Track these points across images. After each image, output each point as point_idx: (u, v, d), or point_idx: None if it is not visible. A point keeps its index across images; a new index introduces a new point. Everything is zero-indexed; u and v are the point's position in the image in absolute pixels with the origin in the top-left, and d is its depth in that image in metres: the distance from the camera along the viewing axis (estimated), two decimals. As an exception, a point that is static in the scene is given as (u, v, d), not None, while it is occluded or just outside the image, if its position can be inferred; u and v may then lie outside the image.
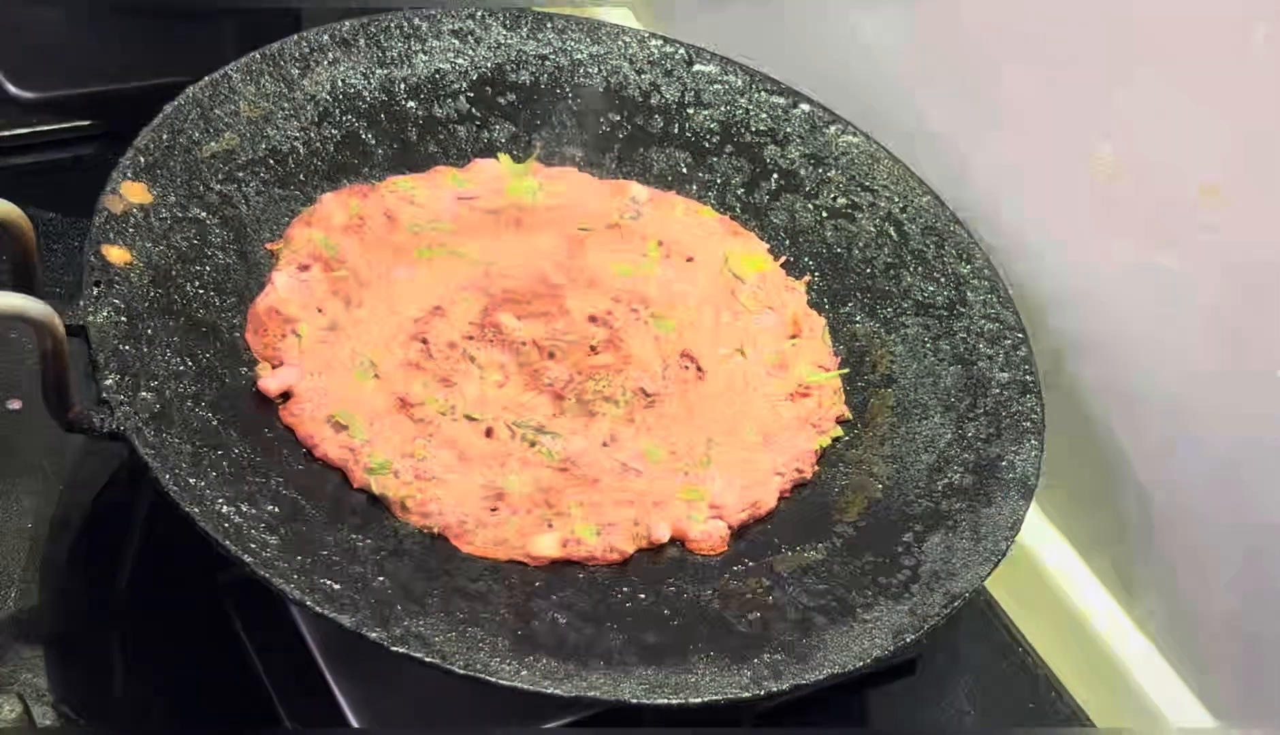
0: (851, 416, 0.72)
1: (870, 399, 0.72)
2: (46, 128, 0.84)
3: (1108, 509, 0.74)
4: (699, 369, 0.71)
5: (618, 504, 0.64)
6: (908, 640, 0.59)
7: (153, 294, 0.62)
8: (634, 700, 0.55)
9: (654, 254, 0.76)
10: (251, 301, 0.67)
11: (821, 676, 0.57)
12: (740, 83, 0.82)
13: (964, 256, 0.76)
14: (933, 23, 0.79)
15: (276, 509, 0.58)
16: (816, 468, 0.69)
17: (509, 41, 0.81)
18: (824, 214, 0.79)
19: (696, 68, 0.83)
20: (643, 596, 0.61)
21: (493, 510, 0.62)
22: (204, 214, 0.67)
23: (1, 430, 0.69)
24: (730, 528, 0.65)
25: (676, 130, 0.82)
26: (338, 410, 0.63)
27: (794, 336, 0.74)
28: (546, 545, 0.62)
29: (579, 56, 0.82)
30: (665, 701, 0.55)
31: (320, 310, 0.68)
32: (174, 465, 0.56)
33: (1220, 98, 0.65)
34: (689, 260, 0.76)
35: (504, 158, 0.78)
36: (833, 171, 0.80)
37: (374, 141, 0.76)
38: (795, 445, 0.69)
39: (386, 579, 0.57)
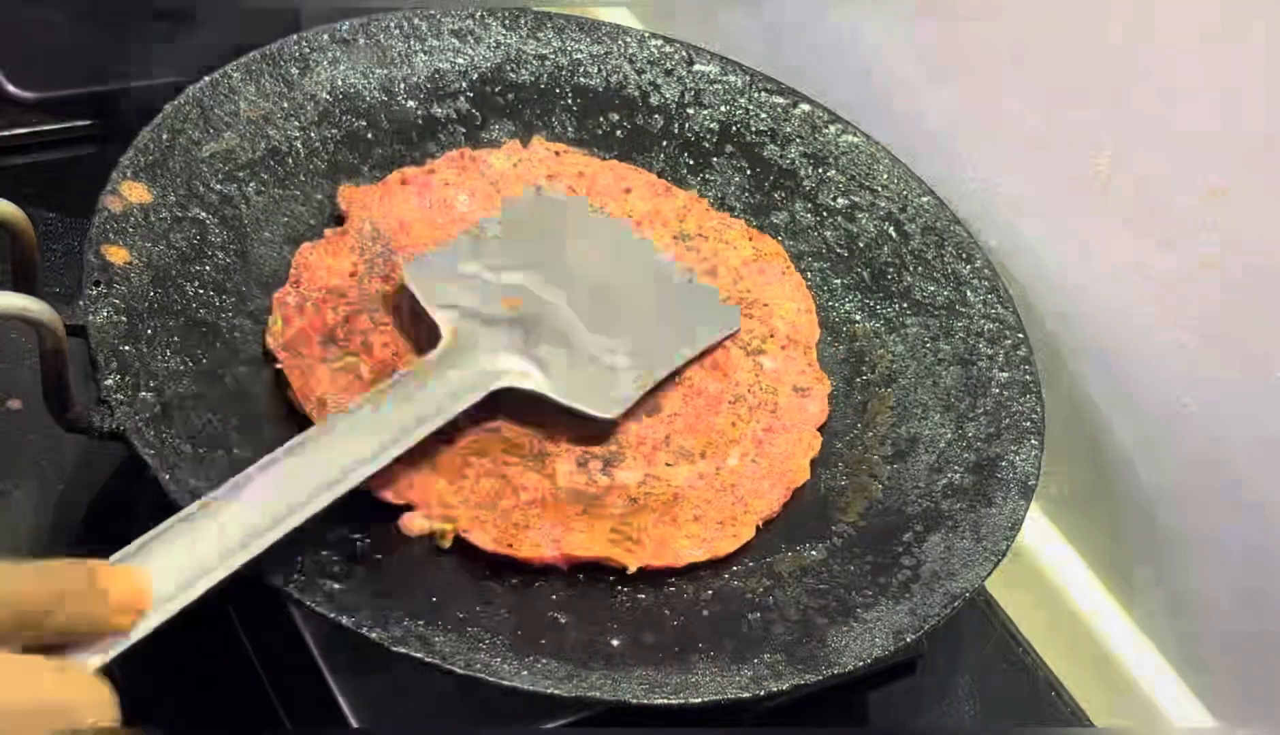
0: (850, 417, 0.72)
1: (870, 399, 0.72)
2: (46, 128, 0.84)
3: (1108, 509, 0.74)
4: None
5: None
6: (908, 640, 0.59)
7: (153, 294, 0.62)
8: (634, 700, 0.55)
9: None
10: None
11: (821, 676, 0.57)
12: (740, 83, 0.82)
13: (964, 256, 0.76)
14: (933, 23, 0.79)
15: (276, 509, 0.58)
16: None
17: (509, 41, 0.81)
18: (824, 214, 0.79)
19: (696, 68, 0.83)
20: (643, 596, 0.61)
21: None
22: (204, 214, 0.67)
23: (1, 430, 0.69)
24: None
25: (676, 130, 0.82)
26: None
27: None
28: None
29: (579, 56, 0.82)
30: (665, 701, 0.55)
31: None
32: (174, 465, 0.56)
33: (1220, 97, 0.65)
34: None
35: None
36: (833, 171, 0.80)
37: (374, 141, 0.76)
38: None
39: (387, 579, 0.57)
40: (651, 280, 0.74)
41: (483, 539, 0.61)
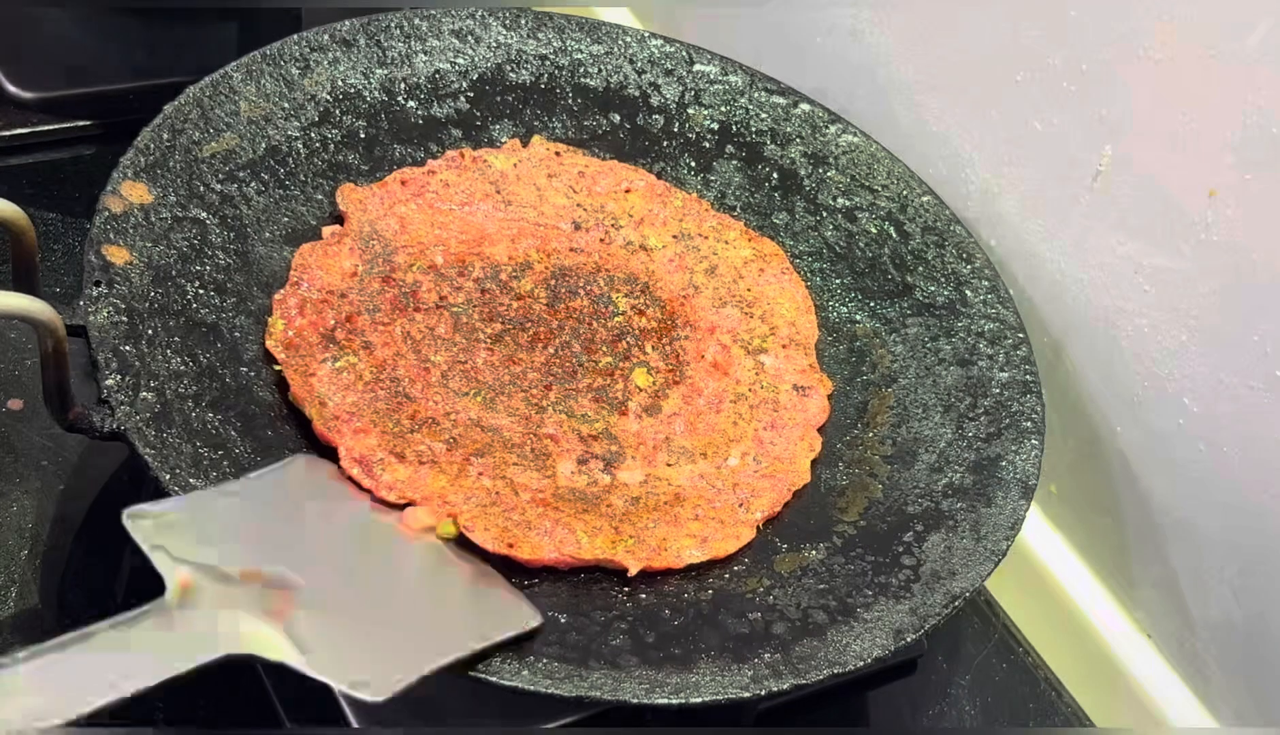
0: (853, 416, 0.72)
1: (870, 399, 0.72)
2: (46, 128, 0.84)
3: (1108, 509, 0.74)
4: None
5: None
6: (908, 640, 0.59)
7: (153, 294, 0.63)
8: (634, 700, 0.55)
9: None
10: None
11: (821, 676, 0.57)
12: (740, 83, 0.82)
13: (964, 256, 0.76)
14: (933, 23, 0.79)
15: (276, 509, 0.58)
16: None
17: (509, 41, 0.81)
18: (824, 214, 0.79)
19: (696, 68, 0.83)
20: (643, 596, 0.61)
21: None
22: (204, 214, 0.67)
23: (1, 430, 0.69)
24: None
25: (676, 130, 0.82)
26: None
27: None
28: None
29: (579, 56, 0.82)
30: (665, 701, 0.55)
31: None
32: (174, 465, 0.56)
33: (1220, 97, 0.65)
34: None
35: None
36: (833, 171, 0.80)
37: (374, 141, 0.76)
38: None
39: (386, 579, 0.57)
40: (428, 580, 0.60)
41: (484, 537, 0.61)
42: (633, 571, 0.61)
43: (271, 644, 0.52)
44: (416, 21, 0.79)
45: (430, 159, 0.77)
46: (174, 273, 0.64)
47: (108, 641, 0.50)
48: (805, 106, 0.82)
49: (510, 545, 0.61)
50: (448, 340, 0.69)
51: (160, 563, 0.53)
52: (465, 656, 0.55)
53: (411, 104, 0.78)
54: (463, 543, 0.61)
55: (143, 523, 0.54)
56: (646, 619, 0.59)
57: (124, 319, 0.60)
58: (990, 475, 0.67)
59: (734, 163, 0.81)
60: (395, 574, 0.59)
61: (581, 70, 0.82)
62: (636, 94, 0.82)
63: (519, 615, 0.57)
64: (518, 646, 0.56)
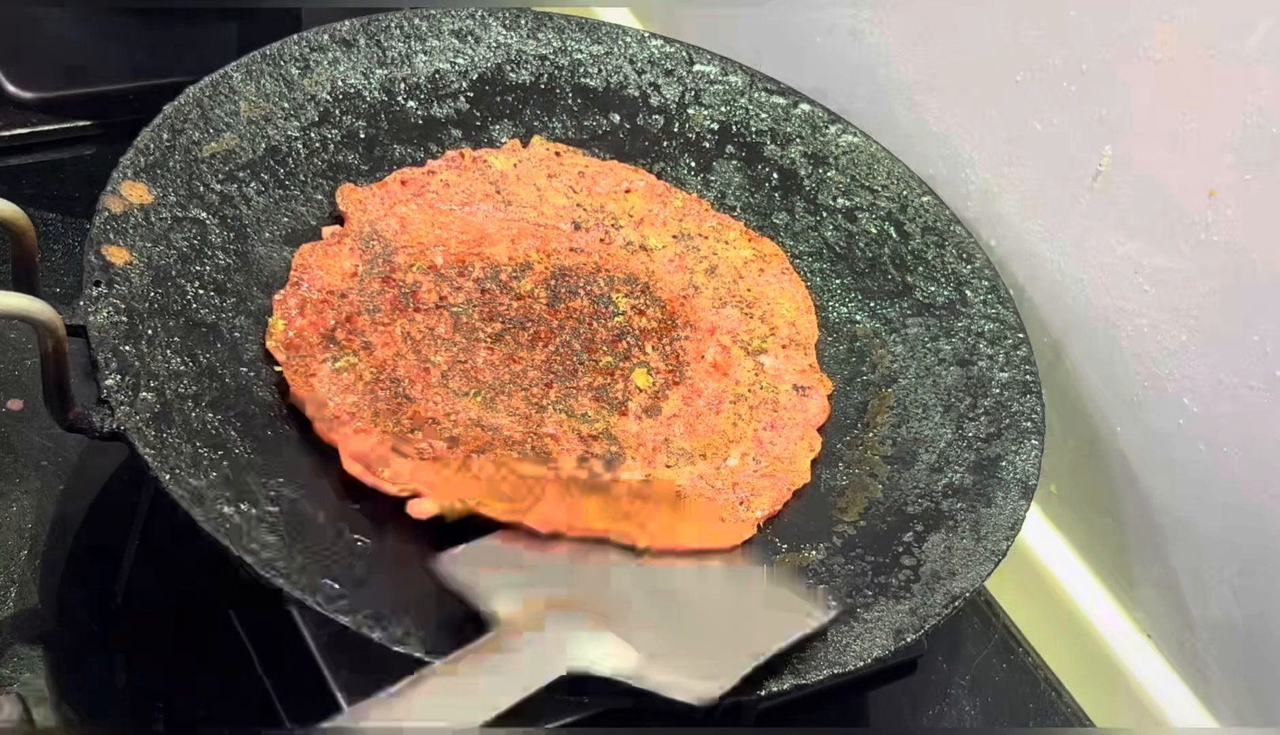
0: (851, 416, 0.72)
1: (870, 399, 0.72)
2: (46, 128, 0.84)
3: (1108, 509, 0.74)
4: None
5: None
6: (908, 640, 0.59)
7: (153, 294, 0.62)
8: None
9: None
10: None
11: (821, 676, 0.57)
12: (740, 83, 0.82)
13: (964, 256, 0.76)
14: (933, 23, 0.79)
15: (276, 509, 0.58)
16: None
17: (509, 41, 0.81)
18: (824, 214, 0.79)
19: (696, 68, 0.83)
20: (643, 596, 0.61)
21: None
22: (204, 214, 0.67)
23: (1, 430, 0.69)
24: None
25: (676, 130, 0.82)
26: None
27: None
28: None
29: (579, 56, 0.82)
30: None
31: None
32: (174, 465, 0.56)
33: (1220, 97, 0.65)
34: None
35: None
36: (833, 171, 0.80)
37: (374, 141, 0.76)
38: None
39: (386, 579, 0.57)
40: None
41: (494, 511, 0.60)
42: (642, 545, 0.61)
43: (608, 655, 0.54)
44: (416, 21, 0.79)
45: (430, 159, 0.77)
46: (174, 273, 0.64)
47: (447, 683, 0.51)
48: (805, 106, 0.82)
49: (520, 515, 0.60)
50: (448, 340, 0.69)
51: (483, 599, 0.55)
52: (774, 654, 0.57)
53: (411, 104, 0.78)
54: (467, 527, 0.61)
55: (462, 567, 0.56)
56: (646, 619, 0.59)
57: (124, 319, 0.60)
58: (990, 475, 0.67)
59: (734, 163, 0.81)
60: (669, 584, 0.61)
61: (581, 70, 0.82)
62: (636, 94, 0.82)
63: (808, 605, 0.60)
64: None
